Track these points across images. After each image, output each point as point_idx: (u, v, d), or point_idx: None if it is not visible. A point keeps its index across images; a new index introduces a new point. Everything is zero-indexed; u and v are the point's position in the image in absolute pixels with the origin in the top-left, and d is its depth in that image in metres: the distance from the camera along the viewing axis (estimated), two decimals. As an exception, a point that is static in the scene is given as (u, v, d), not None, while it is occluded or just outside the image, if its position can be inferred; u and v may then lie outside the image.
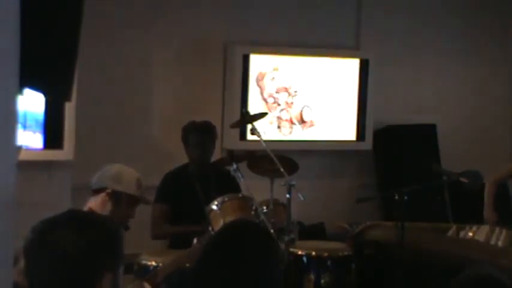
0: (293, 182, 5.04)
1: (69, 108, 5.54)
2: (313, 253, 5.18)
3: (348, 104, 6.91)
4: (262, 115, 5.54)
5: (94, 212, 3.53)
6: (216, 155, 5.48)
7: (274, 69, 6.61)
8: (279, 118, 6.66)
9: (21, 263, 1.93)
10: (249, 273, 2.21)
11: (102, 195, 3.94)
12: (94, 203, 3.96)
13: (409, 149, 7.00)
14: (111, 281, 1.93)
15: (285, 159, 5.16)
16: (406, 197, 4.90)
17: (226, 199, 4.88)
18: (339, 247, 5.38)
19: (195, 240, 4.32)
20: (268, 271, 2.24)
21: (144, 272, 4.42)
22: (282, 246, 4.78)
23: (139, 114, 6.34)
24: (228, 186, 5.19)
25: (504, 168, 5.66)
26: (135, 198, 3.96)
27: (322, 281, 5.09)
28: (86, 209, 3.78)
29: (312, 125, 6.79)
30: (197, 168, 5.32)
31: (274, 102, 6.64)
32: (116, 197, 3.93)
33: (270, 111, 6.54)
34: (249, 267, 2.22)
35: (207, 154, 5.30)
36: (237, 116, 6.07)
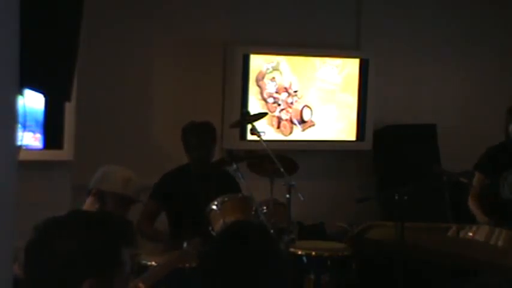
0: (293, 182, 5.04)
1: (69, 108, 5.54)
2: (313, 253, 5.17)
3: (348, 104, 6.91)
4: (262, 115, 5.54)
5: (105, 213, 3.50)
6: (216, 155, 5.48)
7: (274, 69, 6.61)
8: (279, 118, 6.66)
9: (22, 257, 1.94)
10: (258, 274, 2.21)
11: (90, 196, 3.97)
12: (86, 205, 3.98)
13: (409, 149, 7.00)
14: (103, 284, 1.88)
15: (285, 159, 5.16)
16: (406, 197, 4.90)
17: (226, 199, 4.89)
18: (339, 247, 5.38)
19: (185, 244, 4.30)
20: (277, 271, 2.23)
21: (144, 272, 4.41)
22: (282, 246, 4.79)
23: (139, 114, 6.34)
24: (229, 186, 5.19)
25: (474, 180, 5.67)
26: (120, 197, 3.95)
27: (322, 281, 5.09)
28: None
29: (312, 125, 6.79)
30: (197, 168, 5.31)
31: (274, 102, 6.64)
32: (101, 196, 3.94)
33: (270, 111, 6.54)
34: (258, 268, 2.21)
35: (207, 155, 5.27)
36: (237, 116, 6.07)
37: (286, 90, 6.67)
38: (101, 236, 1.91)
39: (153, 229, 5.21)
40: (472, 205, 5.59)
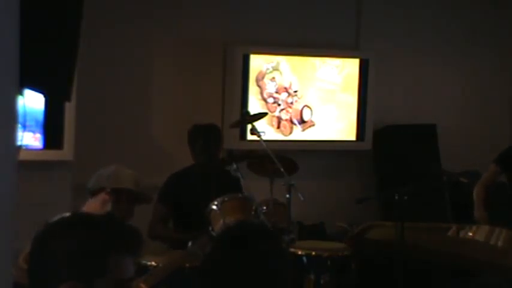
0: (293, 182, 5.05)
1: (69, 108, 5.54)
2: (313, 253, 5.17)
3: (348, 104, 6.91)
4: (262, 115, 5.53)
5: (107, 216, 3.49)
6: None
7: (274, 69, 6.61)
8: (279, 118, 6.66)
9: (20, 260, 1.94)
10: (260, 273, 2.21)
11: (102, 195, 3.96)
12: (93, 205, 3.97)
13: (409, 149, 7.00)
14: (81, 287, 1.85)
15: (285, 159, 5.16)
16: (406, 197, 4.91)
17: (226, 199, 4.88)
18: (339, 247, 5.38)
19: (189, 244, 4.30)
20: (278, 271, 2.23)
21: (144, 273, 4.41)
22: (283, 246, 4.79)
23: (139, 114, 6.34)
24: (230, 186, 5.18)
25: (488, 170, 5.68)
26: (134, 194, 3.97)
27: (322, 281, 5.09)
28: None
29: (312, 125, 6.79)
30: (199, 169, 5.30)
31: (274, 102, 6.64)
32: (116, 194, 3.95)
33: (270, 111, 6.54)
34: (260, 267, 2.21)
35: (212, 157, 5.26)
36: (237, 116, 6.07)
37: (286, 90, 6.67)
38: (90, 239, 1.88)
39: (167, 230, 5.23)
40: (477, 194, 5.56)
